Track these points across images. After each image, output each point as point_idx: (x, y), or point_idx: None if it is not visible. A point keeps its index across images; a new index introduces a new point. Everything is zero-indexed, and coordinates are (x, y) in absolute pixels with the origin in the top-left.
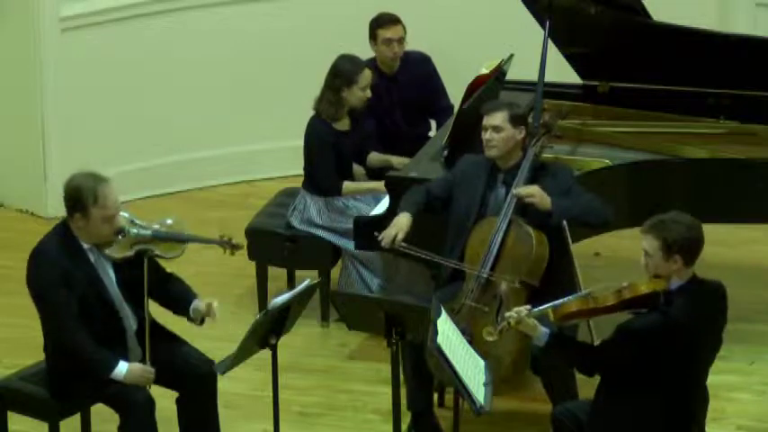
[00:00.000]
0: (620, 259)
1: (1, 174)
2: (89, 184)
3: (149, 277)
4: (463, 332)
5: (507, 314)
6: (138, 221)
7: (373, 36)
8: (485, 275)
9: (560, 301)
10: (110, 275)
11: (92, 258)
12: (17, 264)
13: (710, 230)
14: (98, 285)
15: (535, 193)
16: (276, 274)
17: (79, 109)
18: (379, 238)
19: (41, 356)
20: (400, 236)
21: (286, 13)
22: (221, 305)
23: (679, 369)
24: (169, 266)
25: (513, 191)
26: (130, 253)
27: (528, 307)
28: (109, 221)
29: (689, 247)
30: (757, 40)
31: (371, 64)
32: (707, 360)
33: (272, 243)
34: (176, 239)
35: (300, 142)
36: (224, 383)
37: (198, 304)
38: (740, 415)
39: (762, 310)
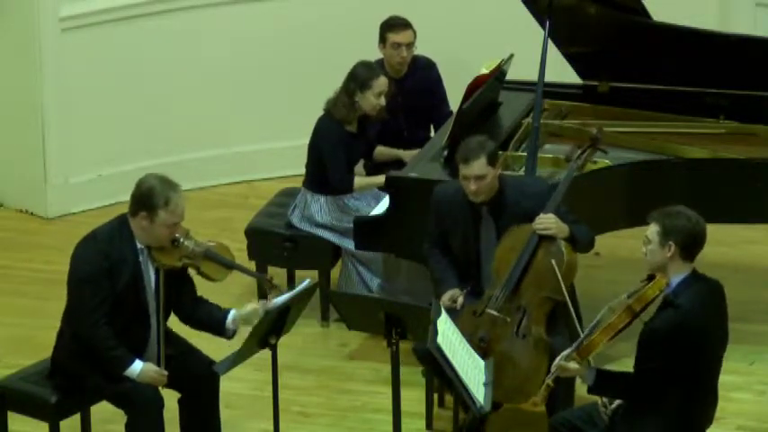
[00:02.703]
0: (620, 259)
1: (1, 174)
2: (163, 187)
3: (184, 293)
4: (481, 340)
5: (549, 378)
6: (193, 236)
7: (383, 39)
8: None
9: (582, 340)
10: (151, 282)
11: (140, 259)
12: (17, 264)
13: (710, 230)
14: (138, 287)
15: (551, 226)
16: (276, 274)
17: (79, 109)
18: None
19: (41, 356)
20: (460, 299)
21: (286, 14)
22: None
23: (695, 366)
24: None
25: (534, 225)
26: (178, 264)
27: (565, 354)
28: (171, 228)
29: (685, 237)
30: (757, 40)
31: (379, 66)
32: (718, 357)
33: (272, 243)
34: (224, 264)
35: (300, 142)
36: (224, 383)
37: (236, 313)
38: (740, 415)
39: (761, 310)
